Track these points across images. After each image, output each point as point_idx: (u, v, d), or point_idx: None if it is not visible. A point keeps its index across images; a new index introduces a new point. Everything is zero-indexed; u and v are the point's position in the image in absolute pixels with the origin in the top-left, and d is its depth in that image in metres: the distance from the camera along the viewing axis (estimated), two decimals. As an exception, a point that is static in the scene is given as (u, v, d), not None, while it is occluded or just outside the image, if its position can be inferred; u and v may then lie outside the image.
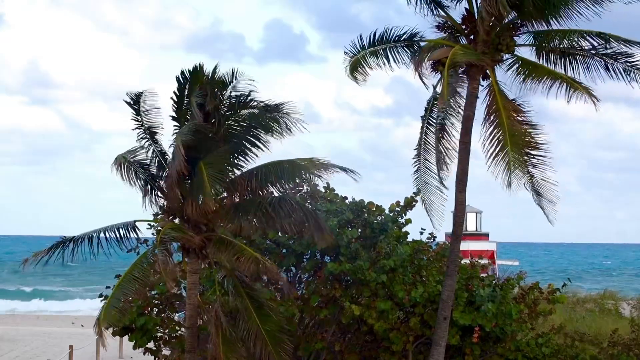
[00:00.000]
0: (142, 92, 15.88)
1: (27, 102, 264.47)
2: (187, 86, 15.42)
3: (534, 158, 18.31)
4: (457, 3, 18.44)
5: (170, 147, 15.49)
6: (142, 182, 15.79)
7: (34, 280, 76.82)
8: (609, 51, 17.72)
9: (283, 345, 16.19)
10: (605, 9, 17.33)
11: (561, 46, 17.94)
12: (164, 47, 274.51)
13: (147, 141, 15.93)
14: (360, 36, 18.75)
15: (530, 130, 18.27)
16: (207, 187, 14.41)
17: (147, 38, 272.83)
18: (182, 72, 15.44)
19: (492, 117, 18.34)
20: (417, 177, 19.90)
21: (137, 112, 15.87)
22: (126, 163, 15.63)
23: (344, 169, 15.52)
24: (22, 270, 15.53)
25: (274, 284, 20.56)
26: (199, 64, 15.31)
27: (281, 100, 15.52)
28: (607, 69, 17.82)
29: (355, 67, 18.70)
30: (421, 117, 19.66)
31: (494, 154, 18.15)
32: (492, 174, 18.11)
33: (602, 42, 17.52)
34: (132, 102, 15.90)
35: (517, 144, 17.96)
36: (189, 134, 14.67)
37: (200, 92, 15.05)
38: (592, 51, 17.86)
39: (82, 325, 42.51)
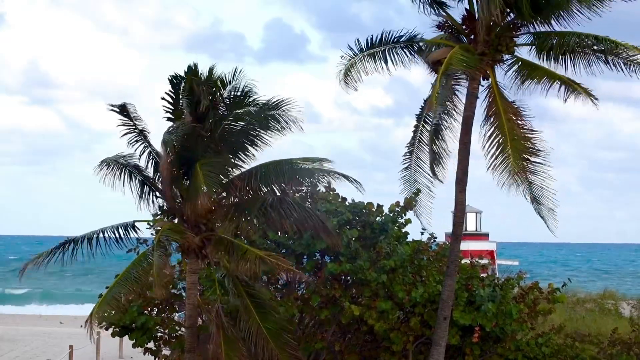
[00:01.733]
0: (124, 104, 15.80)
1: (27, 102, 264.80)
2: (182, 86, 15.37)
3: (532, 164, 18.24)
4: (458, 2, 18.43)
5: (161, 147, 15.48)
6: (139, 184, 15.80)
7: (30, 282, 77.00)
8: (607, 48, 17.71)
9: (286, 342, 16.20)
10: (604, 10, 17.35)
11: (560, 45, 17.91)
12: (164, 47, 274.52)
13: (141, 143, 15.91)
14: (358, 40, 18.68)
15: (530, 135, 18.22)
16: (202, 187, 14.42)
17: (147, 38, 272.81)
18: (176, 75, 15.37)
19: (492, 119, 18.32)
20: (405, 175, 19.92)
21: (128, 117, 15.79)
22: (117, 165, 15.61)
23: (347, 178, 15.54)
24: (20, 278, 15.56)
25: (273, 284, 20.58)
26: (193, 64, 15.23)
27: (281, 97, 15.53)
28: (606, 62, 17.78)
29: (349, 72, 18.57)
30: (416, 115, 19.64)
31: (494, 156, 18.11)
32: (492, 177, 18.13)
33: (599, 45, 17.51)
34: (118, 110, 15.81)
35: (517, 147, 17.94)
36: (176, 134, 14.69)
37: (193, 92, 15.01)
38: (592, 47, 17.84)
39: (81, 326, 42.56)
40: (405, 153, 19.83)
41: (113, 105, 15.79)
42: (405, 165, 19.86)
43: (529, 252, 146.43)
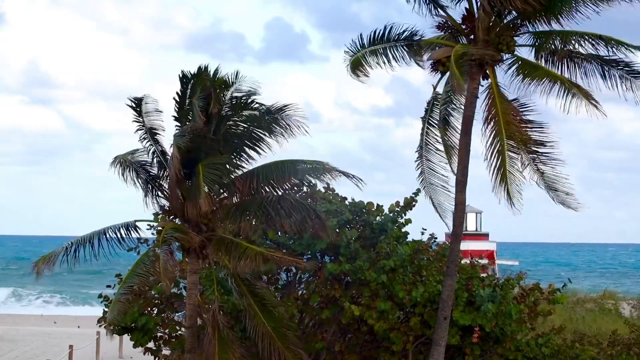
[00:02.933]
0: (143, 97, 15.91)
1: (27, 102, 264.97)
2: (190, 87, 15.44)
3: (542, 155, 18.31)
4: (457, 3, 18.43)
5: (170, 147, 15.57)
6: (143, 182, 15.86)
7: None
8: (606, 58, 17.69)
9: (290, 340, 16.23)
10: (605, 7, 17.33)
11: (560, 47, 17.90)
12: (164, 47, 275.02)
13: (148, 141, 16.00)
14: (361, 35, 18.80)
15: (534, 130, 18.25)
16: (202, 189, 14.49)
17: (147, 38, 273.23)
18: (185, 74, 15.46)
19: (492, 123, 18.33)
20: (422, 179, 19.84)
21: (139, 114, 15.92)
22: (126, 163, 15.70)
23: (347, 175, 15.54)
24: (36, 278, 15.69)
25: (273, 283, 20.59)
26: (204, 66, 15.35)
27: (284, 102, 15.64)
28: (604, 76, 17.78)
29: (356, 66, 18.73)
30: (421, 117, 19.63)
31: (493, 165, 18.18)
32: (492, 184, 18.22)
33: (602, 43, 17.50)
34: (134, 105, 15.94)
35: (517, 149, 17.99)
36: (186, 138, 14.76)
37: (203, 94, 15.07)
38: (591, 55, 17.83)
39: (78, 327, 42.59)
40: (417, 158, 19.77)
41: (130, 99, 15.92)
42: (419, 170, 19.77)
43: (529, 252, 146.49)
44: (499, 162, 18.10)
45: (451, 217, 19.18)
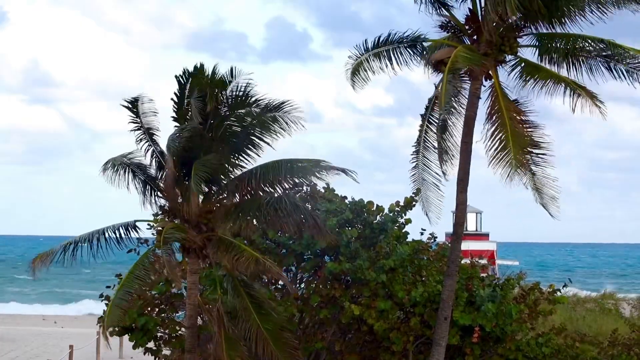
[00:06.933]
0: (138, 96, 15.87)
1: (27, 101, 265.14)
2: (188, 86, 15.42)
3: (536, 156, 18.38)
4: (461, 3, 18.42)
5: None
6: (141, 183, 15.81)
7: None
8: (611, 52, 17.68)
9: (285, 343, 16.20)
10: (610, 16, 17.37)
11: (564, 47, 17.91)
12: (165, 46, 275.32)
13: (146, 142, 15.95)
14: (366, 40, 18.89)
15: (531, 130, 18.33)
16: (192, 188, 14.48)
17: (148, 37, 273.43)
18: (183, 73, 15.45)
19: (494, 118, 18.37)
20: (414, 174, 19.91)
21: (136, 115, 15.89)
22: (120, 165, 15.62)
23: (343, 170, 15.50)
24: (34, 277, 15.64)
25: (273, 283, 20.58)
26: (200, 64, 15.32)
27: (282, 99, 15.59)
28: (609, 69, 17.79)
29: (356, 71, 18.73)
30: (421, 115, 19.65)
31: (495, 153, 18.19)
32: (493, 172, 18.26)
33: (605, 47, 17.51)
34: (130, 106, 15.91)
35: (519, 143, 18.01)
36: (181, 140, 14.73)
37: (200, 94, 15.05)
38: (595, 52, 17.83)
39: (62, 327, 42.62)
40: (413, 152, 19.84)
41: (126, 100, 15.87)
42: (413, 164, 19.84)
43: (529, 252, 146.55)
44: (500, 147, 18.10)
45: (437, 213, 19.37)
